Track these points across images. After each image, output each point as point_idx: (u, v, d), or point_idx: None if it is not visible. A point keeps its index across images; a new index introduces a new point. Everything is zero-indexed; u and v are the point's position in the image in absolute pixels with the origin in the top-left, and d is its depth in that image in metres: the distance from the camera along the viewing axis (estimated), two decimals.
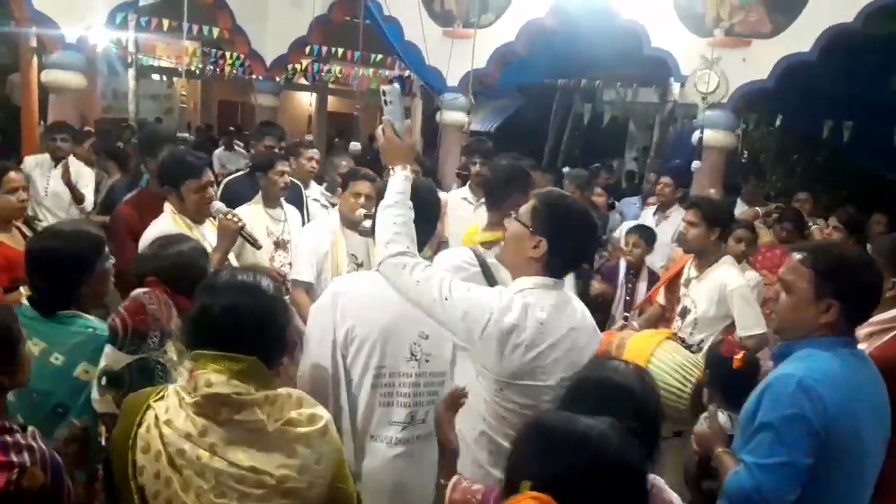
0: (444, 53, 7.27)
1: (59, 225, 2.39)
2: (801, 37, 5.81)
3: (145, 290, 2.17)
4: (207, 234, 3.06)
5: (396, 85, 2.20)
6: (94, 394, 2.03)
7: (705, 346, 3.25)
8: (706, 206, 3.54)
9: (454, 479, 1.81)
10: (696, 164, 5.96)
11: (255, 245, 3.19)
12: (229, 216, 2.96)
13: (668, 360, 2.83)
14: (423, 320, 2.10)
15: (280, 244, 3.94)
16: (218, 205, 3.07)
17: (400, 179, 2.07)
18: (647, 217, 5.61)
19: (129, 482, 1.57)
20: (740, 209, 6.15)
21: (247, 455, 1.53)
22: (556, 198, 2.08)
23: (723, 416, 2.66)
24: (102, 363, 2.04)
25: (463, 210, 4.54)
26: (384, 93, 2.13)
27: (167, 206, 3.10)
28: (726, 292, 3.36)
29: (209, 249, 2.83)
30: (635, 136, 15.98)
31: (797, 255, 2.01)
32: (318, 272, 3.54)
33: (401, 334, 2.20)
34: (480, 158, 4.75)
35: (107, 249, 2.25)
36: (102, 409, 2.02)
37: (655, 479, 1.70)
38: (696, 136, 6.25)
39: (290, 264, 3.80)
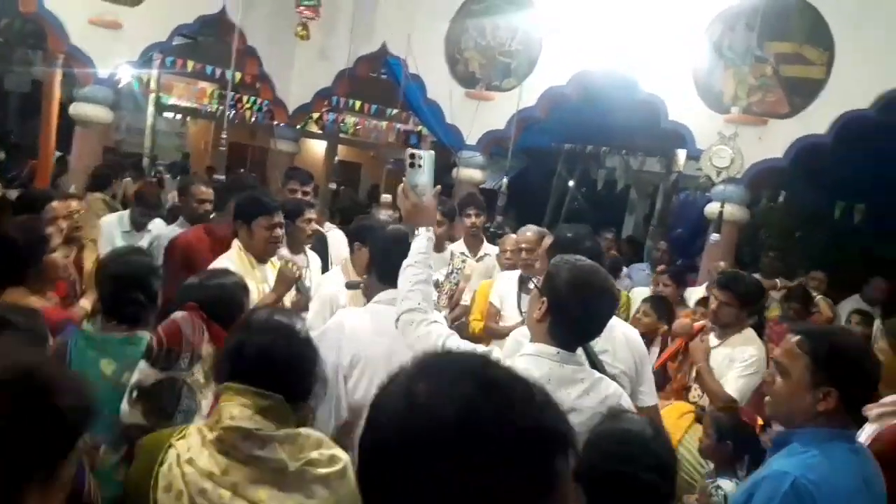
0: (463, 113, 7.42)
1: (126, 251, 2.58)
2: (817, 119, 5.93)
3: (184, 313, 2.30)
4: (269, 275, 3.15)
5: (432, 151, 2.22)
6: (124, 405, 2.13)
7: None
8: (740, 287, 3.57)
9: None
10: (715, 236, 5.94)
11: (306, 295, 3.32)
12: (290, 264, 3.07)
13: (694, 450, 2.92)
14: None
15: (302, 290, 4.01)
16: (284, 251, 3.16)
17: (423, 240, 2.16)
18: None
19: None
20: None
21: (268, 494, 1.53)
22: (568, 261, 2.02)
23: (730, 484, 2.68)
24: (135, 377, 2.17)
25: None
26: (414, 156, 2.17)
27: (235, 243, 3.21)
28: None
29: (266, 289, 2.95)
30: (636, 203, 16.19)
31: (794, 338, 1.96)
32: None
33: (399, 358, 2.27)
34: (475, 210, 4.88)
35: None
36: (130, 420, 2.13)
37: None
38: (711, 208, 6.28)
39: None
